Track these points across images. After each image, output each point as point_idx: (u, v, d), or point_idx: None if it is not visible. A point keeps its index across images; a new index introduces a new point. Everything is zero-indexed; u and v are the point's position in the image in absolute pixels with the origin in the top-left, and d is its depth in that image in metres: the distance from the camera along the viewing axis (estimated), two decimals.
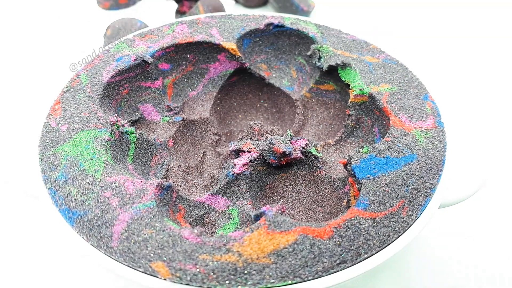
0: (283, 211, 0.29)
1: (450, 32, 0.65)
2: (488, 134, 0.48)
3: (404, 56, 0.39)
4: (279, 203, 0.29)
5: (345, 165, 0.33)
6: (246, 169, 0.33)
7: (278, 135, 0.38)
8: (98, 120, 0.33)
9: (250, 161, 0.33)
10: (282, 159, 0.34)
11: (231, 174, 0.33)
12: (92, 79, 0.36)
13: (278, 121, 0.45)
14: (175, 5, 0.67)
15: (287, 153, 0.33)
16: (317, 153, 0.35)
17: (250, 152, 0.33)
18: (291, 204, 0.34)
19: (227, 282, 0.24)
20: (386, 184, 0.28)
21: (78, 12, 0.69)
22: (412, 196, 0.28)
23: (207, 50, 0.41)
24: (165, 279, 0.24)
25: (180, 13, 0.60)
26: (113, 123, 0.33)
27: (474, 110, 0.52)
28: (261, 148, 0.33)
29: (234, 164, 0.33)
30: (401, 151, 0.30)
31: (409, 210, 0.27)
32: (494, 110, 0.52)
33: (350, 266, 0.25)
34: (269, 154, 0.33)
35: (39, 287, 0.36)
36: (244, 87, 0.45)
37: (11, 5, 0.71)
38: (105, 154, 0.30)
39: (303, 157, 0.34)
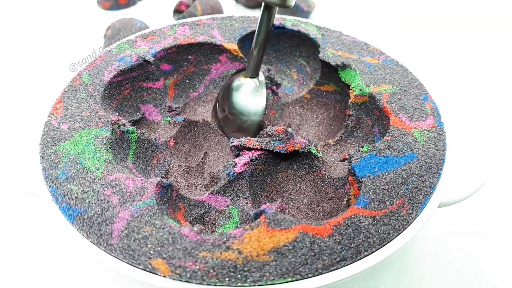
0: (282, 209, 0.29)
1: (450, 32, 0.66)
2: (487, 134, 0.48)
3: (404, 57, 0.39)
4: (278, 201, 0.29)
5: (344, 160, 0.33)
6: (247, 169, 0.33)
7: None
8: (99, 119, 0.33)
9: (251, 160, 0.33)
10: (288, 143, 0.33)
11: (231, 173, 0.33)
12: (94, 78, 0.36)
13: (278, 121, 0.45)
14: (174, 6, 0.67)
15: (289, 132, 0.33)
16: (317, 153, 0.35)
17: (254, 149, 0.33)
18: (291, 203, 0.34)
19: (227, 279, 0.24)
20: (386, 182, 0.28)
21: (78, 12, 0.69)
22: (412, 195, 0.28)
23: (208, 51, 0.42)
24: (165, 276, 0.24)
25: (178, 12, 0.61)
26: (114, 122, 0.33)
27: (474, 110, 0.52)
28: (264, 143, 0.33)
29: (235, 163, 0.33)
30: (401, 150, 0.30)
31: (409, 208, 0.27)
32: (494, 110, 0.52)
33: (350, 263, 0.25)
34: (273, 142, 0.33)
35: (40, 285, 0.36)
36: None
37: (12, 5, 0.71)
38: (105, 153, 0.30)
39: (307, 141, 0.34)
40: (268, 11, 0.35)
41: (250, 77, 0.39)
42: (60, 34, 0.64)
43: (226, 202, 0.33)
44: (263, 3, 0.34)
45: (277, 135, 0.33)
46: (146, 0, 0.72)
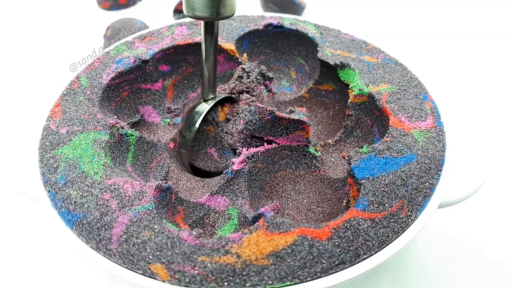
0: (278, 209, 0.29)
1: (450, 31, 0.65)
2: (487, 134, 0.48)
3: (403, 56, 0.39)
4: (274, 202, 0.29)
5: (344, 157, 0.33)
6: (244, 166, 0.33)
7: None
8: (97, 122, 0.33)
9: (248, 157, 0.33)
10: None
11: (230, 171, 0.33)
12: (92, 81, 0.36)
13: None
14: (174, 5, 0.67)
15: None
16: (316, 153, 0.35)
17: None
18: (290, 204, 0.34)
19: (225, 283, 0.24)
20: (385, 184, 0.28)
21: (78, 12, 0.69)
22: (411, 197, 0.28)
23: None
24: (164, 281, 0.24)
25: (178, 11, 0.60)
26: (112, 125, 0.33)
27: (474, 109, 0.52)
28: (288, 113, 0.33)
29: (233, 162, 0.33)
30: (401, 151, 0.30)
31: (409, 210, 0.27)
32: (494, 109, 0.52)
33: (349, 266, 0.25)
34: (299, 115, 0.33)
35: None
36: None
37: (11, 5, 0.71)
38: (104, 156, 0.30)
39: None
40: (210, 24, 0.32)
41: (208, 99, 0.36)
42: (60, 34, 0.64)
43: (225, 203, 0.33)
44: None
45: (299, 112, 0.33)
46: (146, 0, 0.72)
